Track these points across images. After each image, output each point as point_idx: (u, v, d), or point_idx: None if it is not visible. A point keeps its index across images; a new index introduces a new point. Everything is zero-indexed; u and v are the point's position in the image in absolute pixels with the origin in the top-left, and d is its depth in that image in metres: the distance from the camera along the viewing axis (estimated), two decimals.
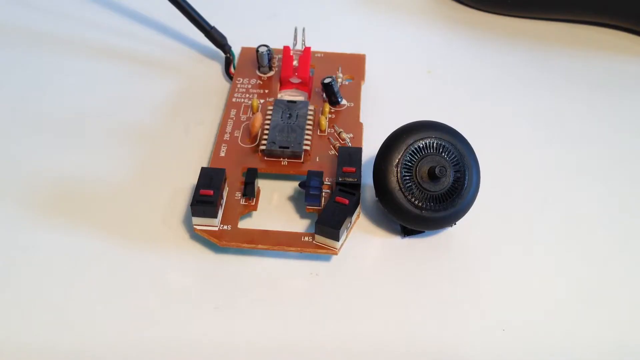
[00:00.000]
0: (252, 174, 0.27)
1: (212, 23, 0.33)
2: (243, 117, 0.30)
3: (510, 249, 0.27)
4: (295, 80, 0.32)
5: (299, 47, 0.33)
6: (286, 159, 0.29)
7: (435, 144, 0.26)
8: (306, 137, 0.29)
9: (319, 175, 0.27)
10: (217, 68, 0.34)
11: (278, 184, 0.29)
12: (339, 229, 0.25)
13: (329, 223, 0.25)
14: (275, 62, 0.33)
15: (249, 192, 0.27)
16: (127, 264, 0.26)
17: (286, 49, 0.32)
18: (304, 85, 0.32)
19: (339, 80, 0.32)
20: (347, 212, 0.26)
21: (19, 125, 0.31)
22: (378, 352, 0.23)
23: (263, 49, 0.32)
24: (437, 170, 0.25)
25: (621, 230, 0.28)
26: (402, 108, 0.32)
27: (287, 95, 0.32)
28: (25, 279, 0.25)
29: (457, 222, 0.27)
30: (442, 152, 0.26)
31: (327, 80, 0.31)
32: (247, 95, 0.32)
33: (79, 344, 0.23)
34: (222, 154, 0.29)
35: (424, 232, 0.27)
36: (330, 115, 0.31)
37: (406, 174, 0.26)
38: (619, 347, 0.24)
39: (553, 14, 0.38)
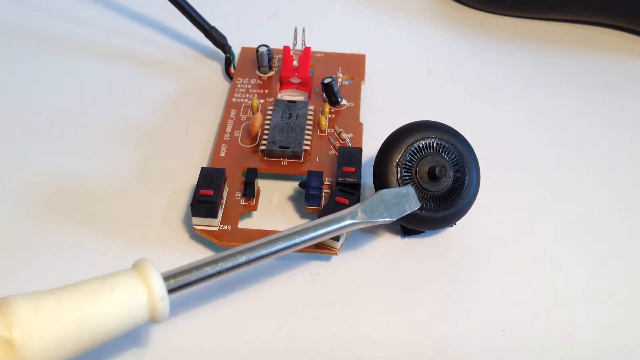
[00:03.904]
0: (252, 174, 0.27)
1: (212, 23, 0.33)
2: (243, 117, 0.30)
3: (510, 248, 0.27)
4: (295, 80, 0.32)
5: (299, 47, 0.33)
6: (286, 159, 0.29)
7: (435, 144, 0.26)
8: (306, 137, 0.29)
9: (319, 175, 0.27)
10: (217, 68, 0.34)
11: (278, 184, 0.29)
12: None
13: None
14: (275, 62, 0.33)
15: (249, 192, 0.27)
16: (127, 264, 0.26)
17: (286, 49, 0.32)
18: (304, 85, 0.32)
19: (339, 80, 0.32)
20: None
21: (19, 125, 0.31)
22: (378, 352, 0.23)
23: (263, 49, 0.32)
24: (437, 170, 0.25)
25: (621, 231, 0.28)
26: (402, 108, 0.32)
27: (287, 95, 0.32)
28: (25, 279, 0.25)
29: (457, 222, 0.27)
30: (442, 152, 0.26)
31: (327, 80, 0.31)
32: (247, 95, 0.32)
33: None
34: (222, 154, 0.29)
35: (424, 232, 0.27)
36: (330, 115, 0.31)
37: (406, 174, 0.26)
38: (619, 347, 0.24)
39: (553, 14, 0.38)
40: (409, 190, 0.25)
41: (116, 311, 0.20)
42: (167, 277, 0.21)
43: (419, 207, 0.25)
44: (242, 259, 0.22)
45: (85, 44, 0.35)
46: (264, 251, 0.22)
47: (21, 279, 0.25)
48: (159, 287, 0.21)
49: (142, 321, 0.21)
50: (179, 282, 0.21)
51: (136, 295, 0.20)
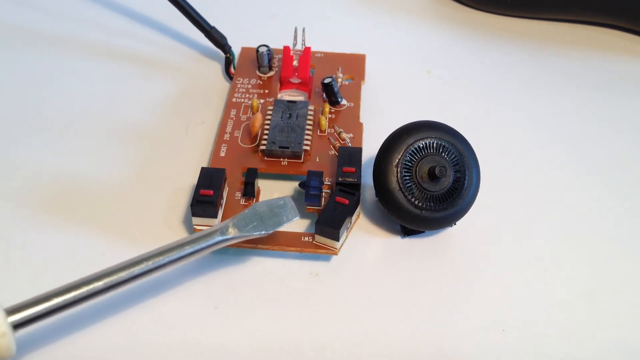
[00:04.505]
0: (252, 174, 0.27)
1: (212, 23, 0.33)
2: (243, 117, 0.30)
3: (510, 249, 0.27)
4: (295, 80, 0.32)
5: (299, 47, 0.33)
6: (286, 159, 0.29)
7: (435, 144, 0.26)
8: (306, 137, 0.29)
9: (319, 175, 0.27)
10: (217, 68, 0.34)
11: (278, 184, 0.29)
12: (339, 229, 0.25)
13: (329, 223, 0.25)
14: (275, 62, 0.33)
15: (249, 192, 0.27)
16: None
17: (286, 49, 0.32)
18: (304, 85, 0.32)
19: (339, 80, 0.32)
20: (347, 212, 0.26)
21: (19, 125, 0.31)
22: (378, 352, 0.23)
23: (263, 49, 0.32)
24: (437, 170, 0.25)
25: (621, 230, 0.28)
26: (402, 108, 0.32)
27: (287, 95, 0.32)
28: (25, 279, 0.25)
29: (457, 222, 0.27)
30: (442, 152, 0.26)
31: (327, 80, 0.31)
32: (247, 95, 0.32)
33: (78, 344, 0.23)
34: (222, 154, 0.29)
35: (424, 232, 0.27)
36: (330, 115, 0.31)
37: (406, 174, 0.26)
38: (619, 347, 0.24)
39: (553, 14, 0.38)
40: (287, 200, 0.25)
41: None
42: (12, 311, 0.21)
43: (297, 217, 0.25)
44: (100, 285, 0.21)
45: (85, 44, 0.35)
46: (124, 275, 0.22)
47: (21, 279, 0.25)
48: (0, 324, 0.20)
49: None
50: (26, 316, 0.20)
51: None
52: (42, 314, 0.21)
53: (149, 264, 0.22)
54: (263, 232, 0.24)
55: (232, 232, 0.23)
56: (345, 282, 0.25)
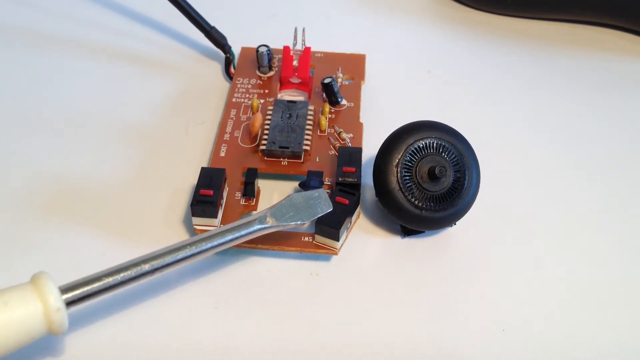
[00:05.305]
0: (252, 174, 0.27)
1: (212, 23, 0.33)
2: (243, 117, 0.30)
3: (510, 249, 0.27)
4: (295, 80, 0.32)
5: (299, 47, 0.33)
6: (286, 159, 0.29)
7: (435, 144, 0.26)
8: (306, 137, 0.29)
9: (319, 175, 0.27)
10: (217, 68, 0.34)
11: (278, 184, 0.29)
12: (339, 229, 0.25)
13: (329, 223, 0.25)
14: (275, 62, 0.33)
15: (249, 192, 0.27)
16: None
17: (286, 49, 0.32)
18: (304, 85, 0.32)
19: (339, 80, 0.32)
20: (347, 212, 0.26)
21: (19, 125, 0.31)
22: (378, 352, 0.23)
23: (263, 49, 0.32)
24: (437, 170, 0.25)
25: (621, 231, 0.28)
26: (402, 108, 0.32)
27: (287, 95, 0.32)
28: (25, 279, 0.25)
29: (457, 222, 0.27)
30: (442, 152, 0.26)
31: (327, 80, 0.31)
32: (247, 95, 0.32)
33: (77, 344, 0.23)
34: (222, 154, 0.29)
35: (424, 232, 0.27)
36: (330, 115, 0.31)
37: (406, 174, 0.26)
38: (619, 347, 0.24)
39: (553, 14, 0.38)
40: (321, 193, 0.25)
41: (10, 326, 0.20)
42: (65, 290, 0.21)
43: (331, 209, 0.25)
44: (147, 267, 0.22)
45: (85, 44, 0.35)
46: (169, 259, 0.22)
47: (21, 279, 0.25)
48: (55, 299, 0.21)
49: (40, 334, 0.21)
50: (78, 294, 0.21)
51: (31, 309, 0.20)
52: (92, 292, 0.21)
53: (193, 249, 0.23)
54: (299, 222, 0.24)
55: (270, 221, 0.24)
56: (345, 282, 0.25)
